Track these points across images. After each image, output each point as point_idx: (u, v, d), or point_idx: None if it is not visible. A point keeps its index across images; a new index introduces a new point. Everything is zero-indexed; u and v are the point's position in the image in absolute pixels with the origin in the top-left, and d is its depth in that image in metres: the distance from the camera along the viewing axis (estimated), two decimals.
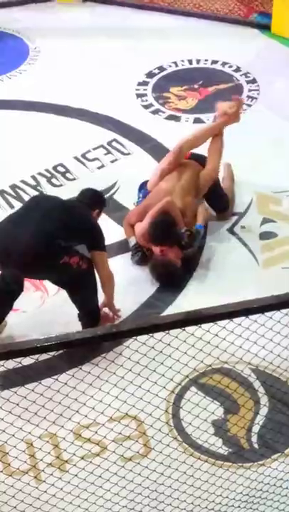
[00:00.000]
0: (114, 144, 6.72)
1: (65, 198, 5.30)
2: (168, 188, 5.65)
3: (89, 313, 4.94)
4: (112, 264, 5.19)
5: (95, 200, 5.22)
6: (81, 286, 4.87)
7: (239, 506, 4.11)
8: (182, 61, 7.71)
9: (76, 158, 6.57)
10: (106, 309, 5.11)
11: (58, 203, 5.02)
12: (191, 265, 5.55)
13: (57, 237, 4.72)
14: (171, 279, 5.41)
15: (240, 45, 7.89)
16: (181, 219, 5.48)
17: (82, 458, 4.14)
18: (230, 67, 7.60)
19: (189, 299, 5.32)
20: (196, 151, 5.98)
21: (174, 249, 5.39)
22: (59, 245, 4.71)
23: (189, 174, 5.75)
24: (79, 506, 3.99)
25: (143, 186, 5.91)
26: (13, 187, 6.28)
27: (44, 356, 4.31)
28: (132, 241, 5.60)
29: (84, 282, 4.86)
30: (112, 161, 6.56)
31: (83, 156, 6.60)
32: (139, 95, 7.29)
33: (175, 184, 5.67)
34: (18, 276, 4.78)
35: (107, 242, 5.47)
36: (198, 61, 7.70)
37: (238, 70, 7.56)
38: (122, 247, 5.67)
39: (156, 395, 4.03)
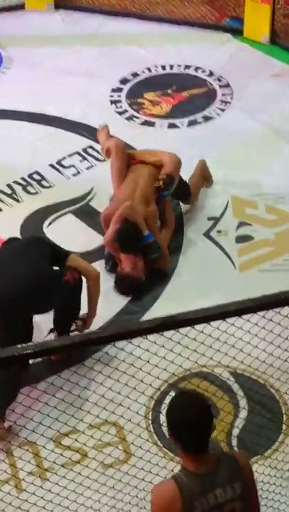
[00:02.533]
0: (89, 150, 6.72)
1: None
2: (125, 197, 5.56)
3: (69, 324, 4.93)
4: None
5: None
6: (76, 297, 4.86)
7: None
8: (156, 67, 7.72)
9: (52, 165, 6.56)
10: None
11: (23, 245, 5.02)
12: (162, 272, 5.57)
13: (45, 267, 4.75)
14: (132, 292, 5.42)
15: (212, 50, 7.93)
16: (144, 223, 5.43)
17: (63, 466, 4.13)
18: (204, 72, 7.62)
19: (167, 304, 5.33)
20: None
21: (135, 258, 5.38)
22: (51, 270, 4.76)
23: (145, 179, 5.65)
24: None
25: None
26: None
27: None
28: (106, 249, 5.60)
29: (78, 292, 4.85)
30: (88, 168, 6.55)
31: (59, 163, 6.59)
32: (113, 102, 7.30)
33: (132, 192, 5.58)
34: None
35: (84, 249, 5.50)
36: (171, 67, 7.72)
37: (211, 74, 7.58)
38: (98, 253, 5.66)
39: (136, 401, 4.04)
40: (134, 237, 5.38)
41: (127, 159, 5.82)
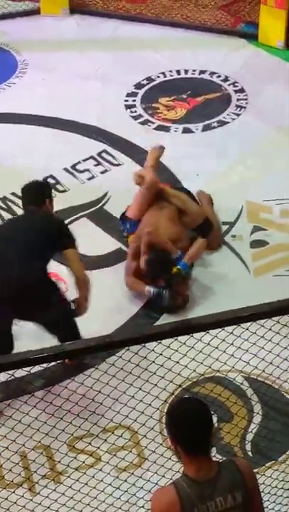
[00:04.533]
0: (104, 155, 6.74)
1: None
2: (151, 222, 5.51)
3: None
4: (104, 274, 5.17)
5: (42, 192, 5.06)
6: (70, 322, 4.72)
7: None
8: (170, 72, 7.73)
9: (66, 169, 6.58)
10: None
11: (23, 226, 4.81)
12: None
13: (43, 260, 4.61)
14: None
15: (227, 55, 7.93)
16: (171, 245, 5.39)
17: (77, 469, 4.14)
18: (219, 76, 7.63)
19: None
20: None
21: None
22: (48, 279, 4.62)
23: (171, 208, 5.60)
24: None
25: (125, 218, 5.78)
26: (4, 199, 6.27)
27: (37, 368, 4.32)
28: (150, 289, 5.32)
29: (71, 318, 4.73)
30: (103, 172, 6.57)
31: (73, 167, 6.61)
32: (128, 106, 7.31)
33: (158, 218, 5.53)
34: None
35: (98, 253, 5.49)
36: (186, 71, 7.73)
37: (226, 79, 7.59)
38: (113, 257, 5.67)
39: (150, 405, 4.04)
40: (164, 266, 5.29)
41: (158, 193, 5.72)
